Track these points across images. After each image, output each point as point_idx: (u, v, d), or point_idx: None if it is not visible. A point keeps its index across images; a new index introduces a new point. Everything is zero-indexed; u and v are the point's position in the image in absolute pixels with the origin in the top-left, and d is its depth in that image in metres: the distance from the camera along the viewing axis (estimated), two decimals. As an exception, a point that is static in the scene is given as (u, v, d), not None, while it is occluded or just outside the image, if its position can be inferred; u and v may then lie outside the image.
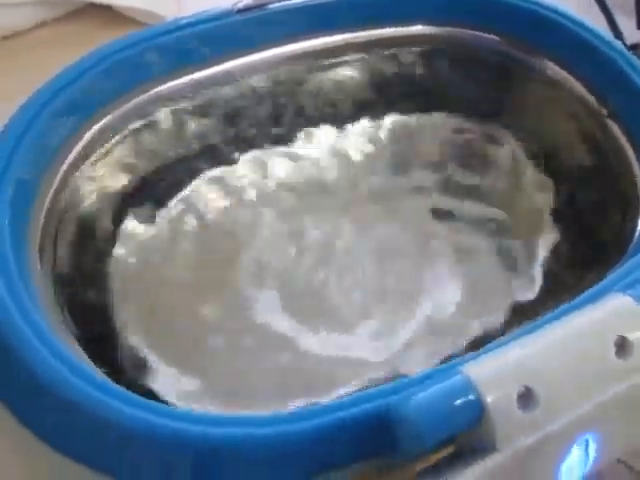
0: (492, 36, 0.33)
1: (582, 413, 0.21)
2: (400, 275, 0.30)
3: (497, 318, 0.29)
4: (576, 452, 0.22)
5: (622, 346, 0.22)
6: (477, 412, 0.20)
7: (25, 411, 0.21)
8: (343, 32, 0.33)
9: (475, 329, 0.29)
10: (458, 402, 0.20)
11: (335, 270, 0.30)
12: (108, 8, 0.45)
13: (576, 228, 0.31)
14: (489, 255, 0.31)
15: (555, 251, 0.31)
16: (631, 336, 0.22)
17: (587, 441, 0.22)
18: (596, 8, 0.46)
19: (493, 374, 0.21)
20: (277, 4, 0.31)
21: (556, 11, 0.32)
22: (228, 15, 0.30)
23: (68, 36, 0.44)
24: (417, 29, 0.33)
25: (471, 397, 0.20)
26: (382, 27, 0.33)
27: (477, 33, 0.33)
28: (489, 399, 0.20)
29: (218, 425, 0.20)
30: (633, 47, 0.45)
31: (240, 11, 0.30)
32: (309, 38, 0.32)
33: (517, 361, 0.21)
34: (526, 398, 0.20)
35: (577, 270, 0.29)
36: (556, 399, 0.21)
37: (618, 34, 0.46)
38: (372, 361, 0.28)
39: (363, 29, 0.33)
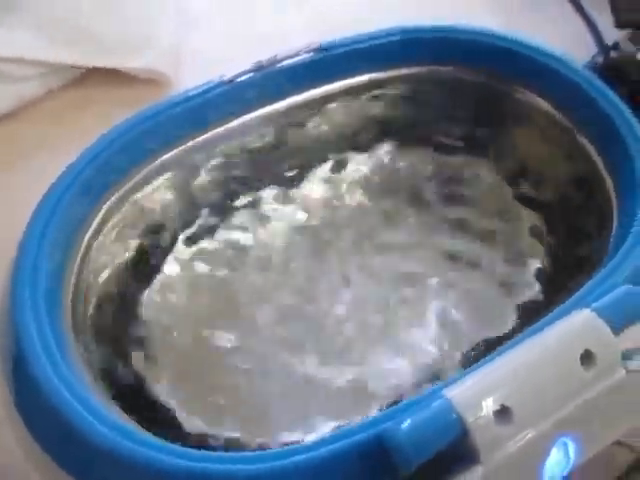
0: (469, 71, 0.36)
1: (554, 421, 0.24)
2: (404, 304, 0.34)
3: (476, 349, 0.32)
4: (556, 454, 0.24)
5: (587, 358, 0.24)
6: (459, 431, 0.23)
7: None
8: (333, 81, 0.36)
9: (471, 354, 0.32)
10: (442, 424, 0.23)
11: (347, 305, 0.34)
12: (112, 70, 0.48)
13: (560, 249, 0.33)
14: (480, 282, 0.34)
15: (540, 271, 0.33)
16: (594, 348, 0.24)
17: (566, 443, 0.25)
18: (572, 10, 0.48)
19: (471, 395, 0.23)
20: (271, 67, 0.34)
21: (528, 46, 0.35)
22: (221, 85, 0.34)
23: (77, 101, 0.47)
24: (401, 70, 0.36)
25: (453, 419, 0.23)
26: (366, 73, 0.36)
27: (455, 69, 0.36)
28: (469, 419, 0.23)
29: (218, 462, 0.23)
30: (614, 46, 0.47)
31: (230, 81, 0.33)
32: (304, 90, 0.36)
33: (492, 381, 0.24)
34: (502, 414, 0.23)
35: (564, 287, 0.31)
36: (530, 411, 0.24)
37: (597, 34, 0.47)
38: (381, 390, 0.31)
39: (350, 76, 0.36)
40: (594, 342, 0.24)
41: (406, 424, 0.23)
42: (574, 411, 0.24)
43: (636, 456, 0.32)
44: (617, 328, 0.25)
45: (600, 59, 0.45)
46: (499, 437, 0.23)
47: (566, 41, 0.40)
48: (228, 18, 0.53)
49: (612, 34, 0.47)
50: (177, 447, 0.24)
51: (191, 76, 0.36)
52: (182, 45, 0.50)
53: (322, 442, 0.24)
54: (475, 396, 0.23)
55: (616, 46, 0.47)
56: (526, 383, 0.24)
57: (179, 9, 0.51)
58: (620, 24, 0.48)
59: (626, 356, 0.25)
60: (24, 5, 0.46)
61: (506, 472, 0.23)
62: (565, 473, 0.25)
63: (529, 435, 0.24)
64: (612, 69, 0.44)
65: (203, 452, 0.24)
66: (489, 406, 0.23)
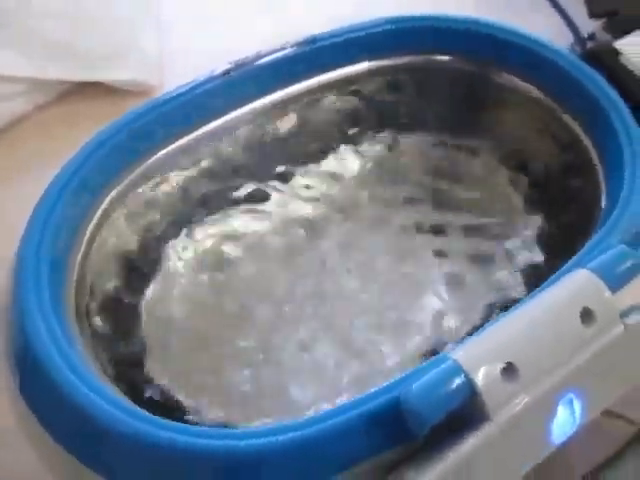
0: (455, 59, 0.37)
1: (559, 377, 0.24)
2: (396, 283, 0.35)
3: (483, 316, 0.33)
4: (563, 411, 0.25)
5: (586, 315, 0.25)
6: (468, 390, 0.23)
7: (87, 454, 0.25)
8: (323, 73, 0.37)
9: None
10: (451, 385, 0.23)
11: (350, 287, 0.35)
12: (99, 83, 0.48)
13: (555, 218, 0.35)
14: (481, 252, 0.35)
15: (538, 239, 0.35)
16: (592, 306, 0.25)
17: (571, 400, 0.25)
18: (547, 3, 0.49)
19: (477, 356, 0.24)
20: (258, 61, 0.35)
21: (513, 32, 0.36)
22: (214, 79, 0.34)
23: (65, 116, 0.47)
24: (389, 60, 0.37)
25: (461, 379, 0.23)
26: (360, 62, 0.37)
27: (443, 58, 0.37)
28: (477, 378, 0.23)
29: (242, 438, 0.24)
30: (590, 37, 0.48)
31: (225, 74, 0.34)
32: (294, 83, 0.36)
33: (497, 341, 0.25)
34: (509, 372, 0.24)
35: (562, 253, 0.32)
36: (535, 368, 0.24)
37: (573, 26, 0.49)
38: (388, 368, 0.32)
39: (342, 67, 0.37)
40: (592, 300, 0.25)
41: (416, 386, 0.23)
42: (577, 366, 0.25)
43: (635, 428, 0.33)
44: (614, 286, 0.26)
45: (577, 48, 0.46)
46: (507, 394, 0.24)
47: (543, 34, 0.41)
48: (211, 24, 0.53)
49: (588, 26, 0.48)
50: (195, 427, 0.25)
51: (176, 84, 0.37)
52: (166, 54, 0.50)
53: (335, 411, 0.24)
54: (481, 355, 0.24)
55: (592, 36, 0.48)
56: (529, 341, 0.25)
57: (161, 19, 0.52)
58: (593, 14, 0.49)
59: (624, 313, 0.26)
60: (5, 23, 0.46)
61: (515, 429, 0.24)
62: (572, 432, 0.25)
63: (535, 391, 0.24)
64: (590, 58, 0.45)
65: (224, 430, 0.25)
66: (495, 364, 0.24)
